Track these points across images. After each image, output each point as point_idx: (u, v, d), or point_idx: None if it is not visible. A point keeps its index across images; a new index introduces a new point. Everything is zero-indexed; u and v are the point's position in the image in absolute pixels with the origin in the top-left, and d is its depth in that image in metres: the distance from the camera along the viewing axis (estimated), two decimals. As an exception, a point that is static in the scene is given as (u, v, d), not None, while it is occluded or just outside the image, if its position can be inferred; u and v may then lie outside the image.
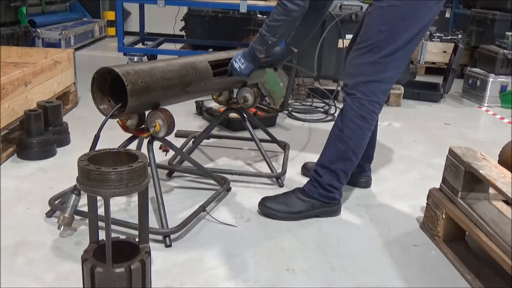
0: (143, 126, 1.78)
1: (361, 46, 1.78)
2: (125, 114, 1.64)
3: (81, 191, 1.61)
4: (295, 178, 2.27)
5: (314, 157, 2.54)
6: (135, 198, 1.88)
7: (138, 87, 1.61)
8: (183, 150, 2.37)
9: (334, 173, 1.85)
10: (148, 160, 1.50)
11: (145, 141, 1.81)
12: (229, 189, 2.08)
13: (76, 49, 5.09)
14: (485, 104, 4.06)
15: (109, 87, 1.66)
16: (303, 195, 1.89)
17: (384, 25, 1.72)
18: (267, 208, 1.88)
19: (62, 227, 1.64)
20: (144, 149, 1.77)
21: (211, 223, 1.81)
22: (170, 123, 1.73)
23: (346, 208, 2.00)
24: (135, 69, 1.63)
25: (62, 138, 2.50)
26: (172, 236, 1.66)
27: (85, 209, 1.64)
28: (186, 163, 2.23)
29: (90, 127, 2.74)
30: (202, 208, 1.82)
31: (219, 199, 1.99)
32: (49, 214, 1.78)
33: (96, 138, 1.57)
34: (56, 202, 1.79)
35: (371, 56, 1.75)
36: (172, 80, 1.75)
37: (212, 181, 2.10)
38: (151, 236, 1.59)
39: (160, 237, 1.66)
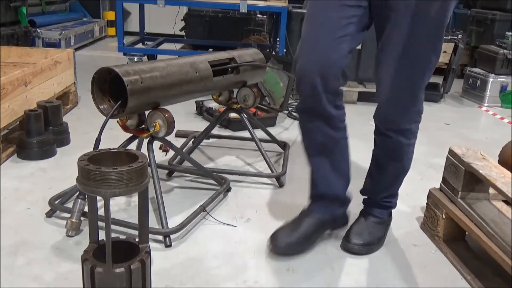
0: (143, 126, 1.78)
1: (415, 72, 1.48)
2: (125, 114, 1.64)
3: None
4: (295, 178, 2.27)
5: (314, 157, 2.55)
6: (135, 198, 1.88)
7: (138, 87, 1.61)
8: (183, 150, 2.37)
9: (398, 193, 1.80)
10: (148, 160, 1.50)
11: (145, 141, 1.81)
12: (229, 189, 2.08)
13: (76, 49, 5.09)
14: (485, 104, 4.05)
15: (109, 87, 1.66)
16: (378, 219, 1.77)
17: (435, 43, 1.45)
18: (361, 246, 1.68)
19: (71, 232, 1.65)
20: (144, 149, 1.77)
21: (211, 223, 1.81)
22: (170, 123, 1.73)
23: (346, 208, 1.99)
24: (135, 69, 1.63)
25: (62, 138, 2.50)
26: (172, 236, 1.66)
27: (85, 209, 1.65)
28: (186, 163, 2.23)
29: (90, 127, 2.74)
30: (202, 208, 1.82)
31: (219, 199, 1.99)
32: (49, 214, 1.78)
33: (97, 142, 1.57)
34: (56, 202, 1.79)
35: (423, 81, 1.50)
36: (172, 80, 1.75)
37: (212, 181, 2.10)
38: (151, 236, 1.59)
39: (160, 237, 1.66)
